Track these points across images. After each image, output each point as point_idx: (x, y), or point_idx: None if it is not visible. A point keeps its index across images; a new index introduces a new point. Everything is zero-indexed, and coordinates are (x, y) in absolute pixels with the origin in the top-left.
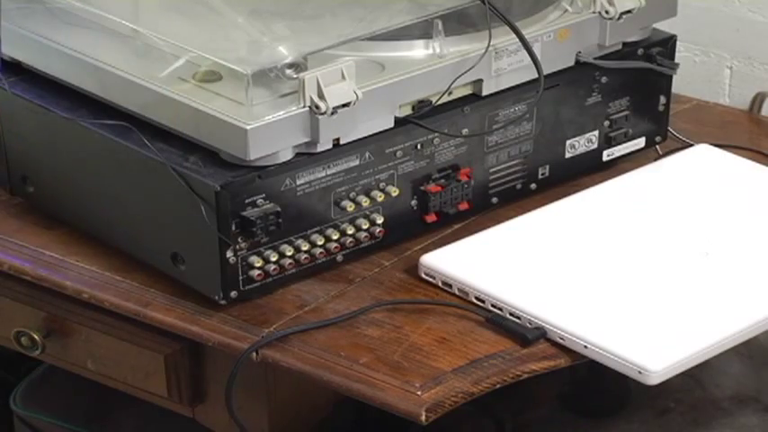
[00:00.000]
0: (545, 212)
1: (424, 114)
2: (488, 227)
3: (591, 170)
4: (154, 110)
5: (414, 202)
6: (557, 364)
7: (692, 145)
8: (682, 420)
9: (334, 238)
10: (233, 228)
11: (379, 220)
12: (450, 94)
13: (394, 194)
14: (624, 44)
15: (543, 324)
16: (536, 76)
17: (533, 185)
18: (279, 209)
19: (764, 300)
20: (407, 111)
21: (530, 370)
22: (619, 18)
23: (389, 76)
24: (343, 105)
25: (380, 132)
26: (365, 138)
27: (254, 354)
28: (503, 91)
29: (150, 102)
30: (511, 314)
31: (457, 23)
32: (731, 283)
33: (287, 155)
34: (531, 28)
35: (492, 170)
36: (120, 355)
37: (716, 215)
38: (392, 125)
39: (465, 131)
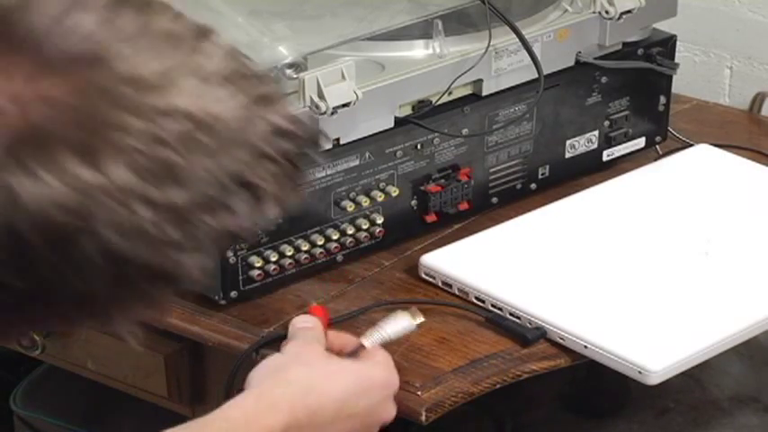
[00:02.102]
0: (545, 212)
1: (424, 114)
2: (488, 227)
3: (591, 170)
4: None
5: (414, 202)
6: (557, 364)
7: (692, 145)
8: (682, 420)
9: (334, 238)
10: None
11: (379, 220)
12: (450, 94)
13: (394, 194)
14: (624, 44)
15: (543, 324)
16: (536, 76)
17: (533, 185)
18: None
19: (764, 300)
20: (407, 111)
21: (530, 370)
22: (619, 18)
23: (389, 76)
24: (343, 105)
25: (380, 132)
26: (365, 138)
27: (254, 354)
28: (503, 91)
29: None
30: (511, 314)
31: (457, 23)
32: (731, 283)
33: None
34: (531, 28)
35: (492, 170)
36: (120, 356)
37: (716, 215)
38: (392, 125)
39: (465, 131)
